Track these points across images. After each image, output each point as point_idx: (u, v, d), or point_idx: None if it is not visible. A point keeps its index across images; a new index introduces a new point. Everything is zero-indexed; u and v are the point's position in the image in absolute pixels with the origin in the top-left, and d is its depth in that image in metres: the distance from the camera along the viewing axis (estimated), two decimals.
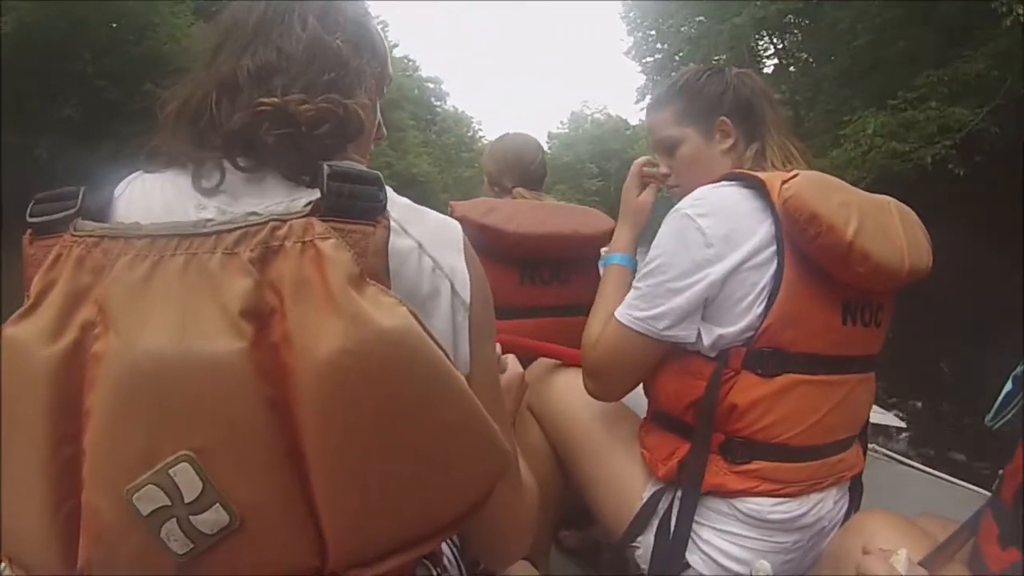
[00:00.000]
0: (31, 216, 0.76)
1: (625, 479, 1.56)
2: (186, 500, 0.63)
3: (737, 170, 1.48)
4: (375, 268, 0.70)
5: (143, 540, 0.65)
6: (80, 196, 0.77)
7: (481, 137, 62.57)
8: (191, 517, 0.64)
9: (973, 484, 1.93)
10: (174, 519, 0.64)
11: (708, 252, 1.36)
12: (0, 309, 0.77)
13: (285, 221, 0.69)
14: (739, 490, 1.40)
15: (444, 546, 1.11)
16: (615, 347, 1.47)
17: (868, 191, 1.45)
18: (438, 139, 55.61)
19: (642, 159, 1.73)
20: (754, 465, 1.39)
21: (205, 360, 0.63)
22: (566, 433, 1.68)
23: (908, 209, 1.49)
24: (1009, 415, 1.13)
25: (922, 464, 2.17)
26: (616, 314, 1.47)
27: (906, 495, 1.93)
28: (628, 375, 1.51)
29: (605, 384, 1.53)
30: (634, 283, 1.48)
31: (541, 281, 2.13)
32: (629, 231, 1.72)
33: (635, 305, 1.43)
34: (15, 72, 15.43)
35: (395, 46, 37.44)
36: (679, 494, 1.44)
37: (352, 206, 0.71)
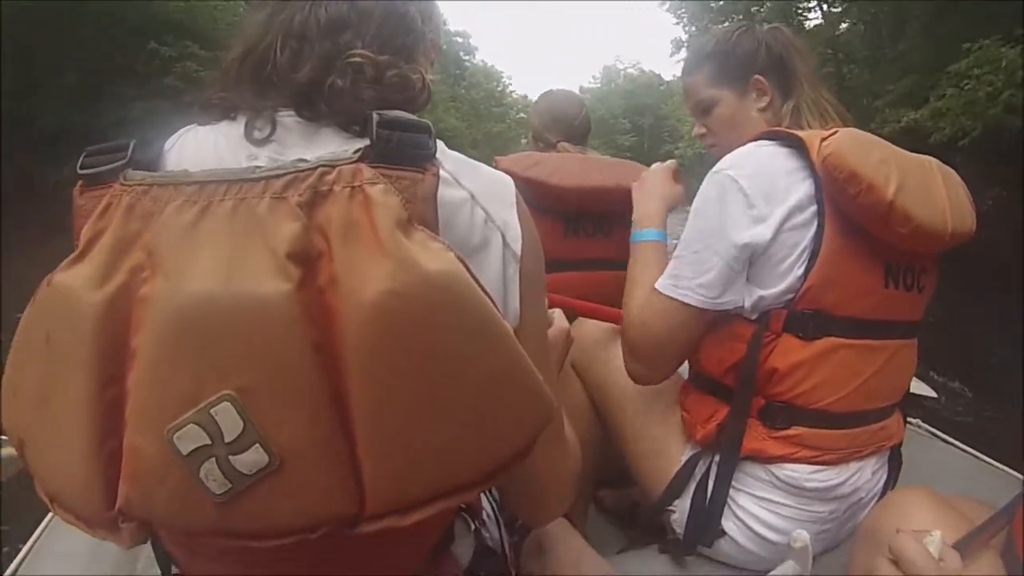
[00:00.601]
0: (82, 168, 0.78)
1: (663, 441, 1.57)
2: (226, 440, 0.64)
3: (776, 128, 1.47)
4: (424, 214, 0.71)
5: (182, 479, 0.66)
6: (131, 148, 0.79)
7: (512, 92, 62.89)
8: (230, 457, 0.65)
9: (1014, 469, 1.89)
10: (213, 459, 0.65)
11: (752, 212, 1.34)
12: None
13: (334, 167, 0.70)
14: (778, 456, 1.39)
15: (484, 500, 1.13)
16: (664, 323, 1.43)
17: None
18: (467, 94, 55.35)
19: (671, 164, 1.78)
20: (793, 431, 1.39)
21: (251, 301, 0.64)
22: (608, 392, 1.68)
23: (950, 170, 1.46)
24: None
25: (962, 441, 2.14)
26: (660, 287, 1.43)
27: (945, 473, 1.91)
28: (678, 352, 1.48)
29: (654, 364, 1.49)
30: (676, 252, 1.45)
31: (585, 234, 2.18)
32: (662, 206, 1.70)
33: (682, 275, 1.41)
34: (14, 42, 15.28)
35: None
36: (717, 458, 1.44)
37: (401, 153, 0.72)
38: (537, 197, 2.03)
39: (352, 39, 0.88)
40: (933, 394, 2.30)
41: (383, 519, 0.69)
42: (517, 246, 0.87)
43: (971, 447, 2.05)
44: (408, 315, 0.64)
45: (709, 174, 1.42)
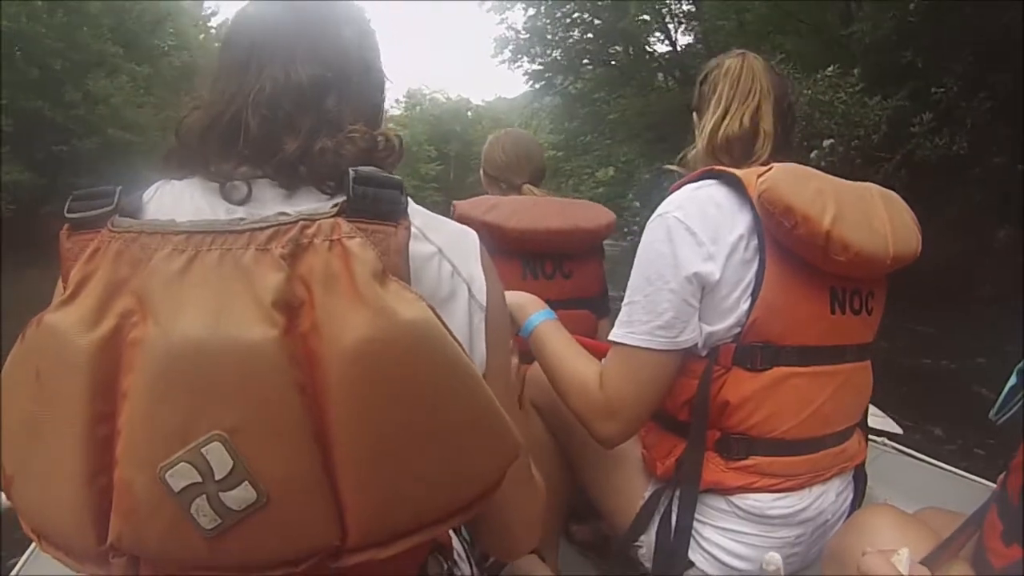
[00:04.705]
0: (69, 212, 0.87)
1: (626, 478, 1.68)
2: (216, 477, 0.73)
3: (714, 167, 1.58)
4: (396, 266, 0.81)
5: (173, 515, 0.74)
6: (117, 195, 0.88)
7: None
8: (220, 493, 0.73)
9: (981, 476, 2.03)
10: (204, 495, 0.73)
11: (701, 251, 1.44)
12: None
13: (314, 220, 0.79)
14: (737, 487, 1.50)
15: (455, 541, 1.22)
16: (628, 374, 1.49)
17: None
18: None
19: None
20: (751, 460, 1.50)
21: (239, 346, 0.73)
22: (571, 432, 1.76)
23: (893, 194, 1.59)
24: (1013, 409, 1.20)
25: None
26: (616, 337, 1.50)
27: (911, 487, 2.04)
28: (649, 401, 1.51)
29: (626, 420, 1.52)
30: (625, 300, 1.53)
31: (544, 275, 2.33)
32: (526, 297, 1.81)
33: (637, 319, 1.48)
34: None
35: (213, 15, 36.85)
36: (678, 492, 1.55)
37: (376, 208, 0.83)
38: (496, 240, 2.17)
39: (337, 105, 1.00)
40: (897, 429, 2.42)
41: (364, 552, 0.80)
42: (482, 297, 0.99)
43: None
44: (385, 360, 0.74)
45: (652, 218, 1.53)
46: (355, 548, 0.80)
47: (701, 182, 1.55)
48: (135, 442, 0.76)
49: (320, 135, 0.97)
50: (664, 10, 21.83)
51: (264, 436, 0.74)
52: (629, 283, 1.52)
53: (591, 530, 2.29)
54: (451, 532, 1.21)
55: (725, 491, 1.52)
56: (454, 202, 2.34)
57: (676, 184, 1.59)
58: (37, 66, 28.94)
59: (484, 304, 0.99)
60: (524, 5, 25.00)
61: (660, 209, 1.53)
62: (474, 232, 1.05)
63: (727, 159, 1.63)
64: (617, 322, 1.53)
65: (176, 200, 0.98)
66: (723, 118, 1.64)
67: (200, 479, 0.74)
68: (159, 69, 34.71)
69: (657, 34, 23.22)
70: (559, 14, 24.01)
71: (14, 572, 1.72)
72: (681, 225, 1.46)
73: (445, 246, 0.98)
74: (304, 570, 0.79)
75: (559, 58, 24.51)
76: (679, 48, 22.91)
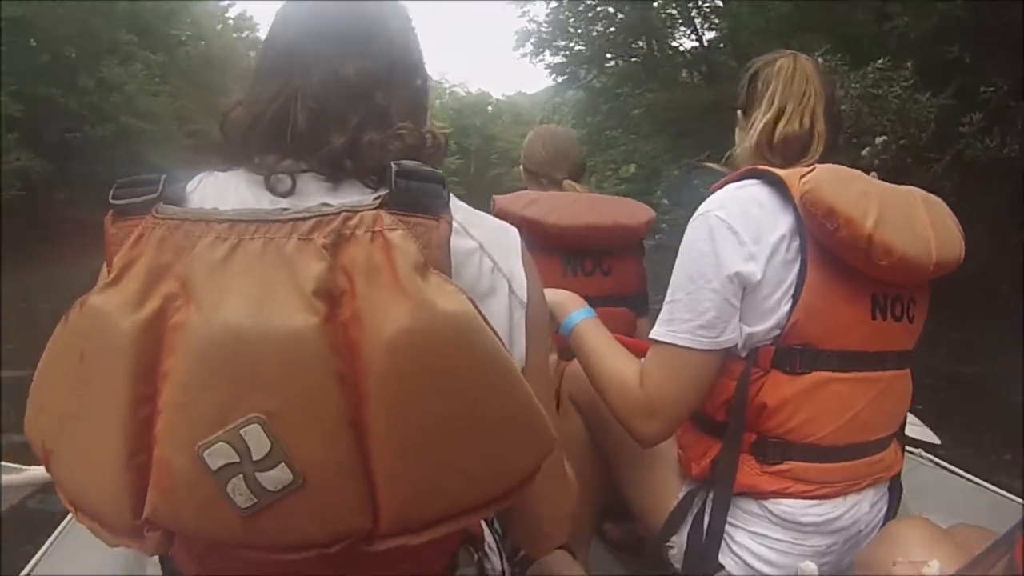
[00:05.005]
0: (113, 199, 0.90)
1: (661, 477, 1.69)
2: (254, 458, 0.75)
3: (756, 167, 1.58)
4: (438, 260, 0.83)
5: (210, 492, 0.77)
6: (161, 183, 0.90)
7: None
8: (257, 474, 0.76)
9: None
10: (241, 475, 0.76)
11: (743, 250, 1.45)
12: None
13: (356, 212, 0.82)
14: (771, 491, 1.51)
15: (487, 533, 1.25)
16: (669, 373, 1.50)
17: None
18: None
19: None
20: (786, 465, 1.50)
21: (281, 333, 0.75)
22: (608, 429, 1.76)
23: (936, 199, 1.58)
24: None
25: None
26: (657, 336, 1.51)
27: (946, 501, 2.02)
28: (690, 400, 1.52)
29: (666, 419, 1.52)
30: (667, 299, 1.54)
31: (583, 272, 2.36)
32: (565, 295, 1.82)
33: (679, 318, 1.49)
34: None
35: (230, 6, 37.41)
36: (712, 494, 1.56)
37: (418, 201, 0.85)
38: (535, 236, 2.19)
39: (385, 100, 1.02)
40: (935, 440, 2.40)
41: (396, 537, 0.82)
42: (523, 293, 1.01)
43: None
44: (425, 351, 0.77)
45: (695, 216, 1.53)
46: (387, 533, 0.82)
47: (743, 181, 1.56)
48: (175, 422, 0.78)
49: (368, 130, 0.99)
50: (691, 4, 21.64)
51: (302, 421, 0.77)
52: (671, 281, 1.53)
53: (625, 530, 2.30)
54: (483, 524, 1.24)
55: (759, 495, 1.53)
56: (494, 196, 2.37)
57: (718, 183, 1.60)
58: (49, 52, 29.14)
59: (524, 300, 1.01)
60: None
61: (702, 208, 1.54)
62: (515, 228, 1.06)
63: (779, 159, 1.62)
64: (658, 320, 1.54)
65: (220, 191, 1.00)
66: (778, 118, 1.63)
67: (238, 459, 0.76)
68: (175, 58, 34.89)
69: (682, 28, 23.00)
70: (582, 7, 23.83)
71: (48, 541, 1.80)
72: (723, 224, 1.47)
73: (486, 242, 0.99)
74: (336, 552, 0.81)
75: (582, 50, 24.24)
76: (705, 43, 22.66)
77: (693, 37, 22.67)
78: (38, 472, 2.07)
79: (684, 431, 1.65)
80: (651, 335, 1.54)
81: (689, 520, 1.61)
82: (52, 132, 30.28)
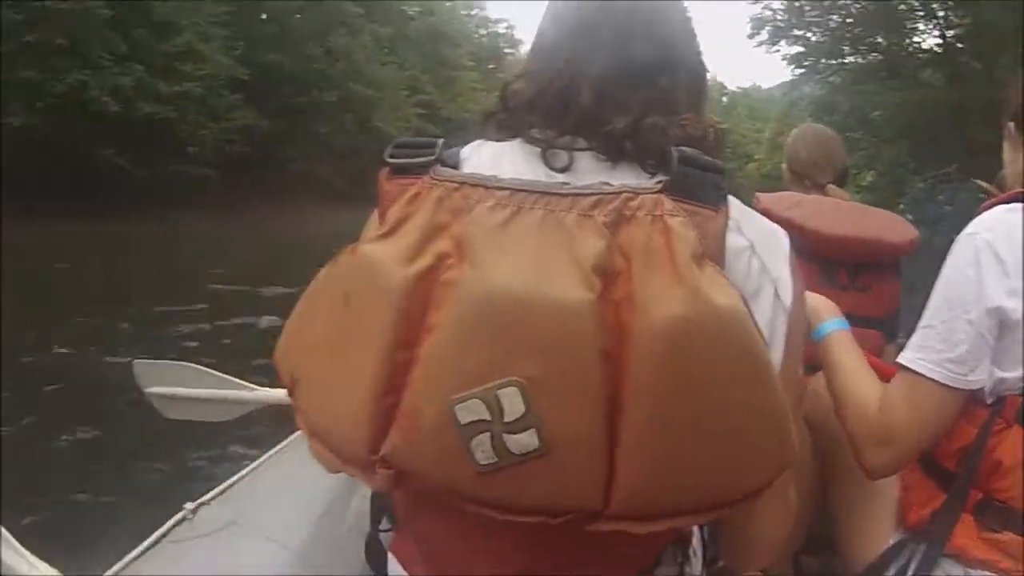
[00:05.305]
0: (390, 157, 0.95)
1: (876, 518, 1.65)
2: (505, 420, 0.77)
3: None
4: (713, 252, 0.83)
5: (452, 443, 0.79)
6: (439, 147, 0.94)
7: None
8: (504, 435, 0.78)
9: None
10: (487, 433, 0.78)
11: (1007, 283, 1.35)
12: None
13: (638, 194, 0.83)
14: (980, 560, 1.39)
15: (695, 538, 1.22)
16: (910, 402, 1.41)
17: None
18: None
19: None
20: (1004, 536, 1.37)
21: (554, 303, 0.77)
22: (834, 451, 1.74)
23: None
24: None
25: None
26: (905, 360, 1.42)
27: None
28: (927, 436, 1.43)
29: (898, 452, 1.45)
30: (922, 323, 1.44)
31: (838, 285, 2.26)
32: (825, 300, 1.75)
33: (930, 346, 1.39)
34: None
35: None
36: (922, 549, 1.47)
37: (698, 190, 0.85)
38: (794, 239, 2.12)
39: (669, 86, 1.02)
40: None
41: (620, 521, 0.82)
42: (787, 299, 0.98)
43: None
44: (693, 340, 0.77)
45: (961, 236, 1.43)
46: (613, 516, 0.82)
47: (1013, 204, 1.44)
48: (432, 373, 0.81)
49: (651, 113, 0.99)
50: None
51: (560, 391, 0.78)
52: (928, 304, 1.45)
53: (822, 564, 2.20)
54: (696, 527, 1.22)
55: (967, 561, 1.41)
56: (757, 194, 2.35)
57: (987, 203, 1.50)
58: (277, 23, 31.16)
59: (788, 307, 0.98)
60: None
61: (969, 228, 1.44)
62: (783, 230, 1.05)
63: None
64: (909, 344, 1.45)
65: (495, 160, 1.02)
66: None
67: (488, 418, 0.78)
68: (404, 31, 36.87)
69: (921, 24, 21.62)
70: None
71: (254, 464, 2.02)
72: (990, 250, 1.37)
73: (757, 241, 0.98)
74: (556, 524, 0.82)
75: (821, 41, 23.17)
76: (947, 41, 21.08)
77: (936, 32, 21.32)
78: (269, 393, 2.37)
79: (910, 471, 1.58)
80: (899, 358, 1.45)
81: (892, 571, 1.54)
82: (279, 96, 32.35)
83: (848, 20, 22.39)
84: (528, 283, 0.78)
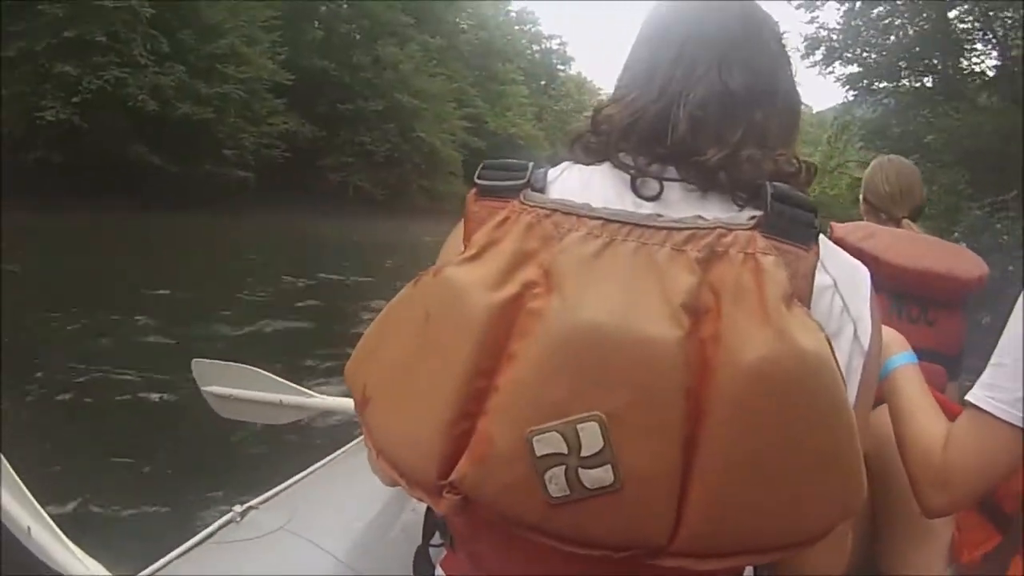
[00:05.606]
0: (479, 179, 0.96)
1: (927, 557, 1.65)
2: (583, 454, 0.77)
3: None
4: (801, 291, 0.84)
5: (525, 475, 0.79)
6: (529, 170, 0.95)
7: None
8: (579, 469, 0.77)
9: None
10: (563, 467, 0.77)
11: None
12: None
13: (731, 230, 0.83)
14: None
15: (748, 571, 1.22)
16: (976, 443, 1.35)
17: None
18: (554, 105, 58.34)
19: None
20: None
21: (641, 339, 0.77)
22: (887, 488, 1.72)
23: None
24: None
25: None
26: (973, 398, 1.37)
27: None
28: (989, 479, 1.36)
29: (958, 493, 1.38)
30: (993, 360, 1.37)
31: (908, 318, 2.28)
32: (895, 338, 1.69)
33: (1001, 385, 1.34)
34: None
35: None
36: None
37: (791, 228, 0.85)
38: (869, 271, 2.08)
39: (764, 119, 1.00)
40: None
41: (682, 558, 0.81)
42: (866, 340, 0.97)
43: None
44: (776, 383, 0.76)
45: None
46: (676, 552, 0.82)
47: None
48: (511, 402, 0.81)
49: (747, 145, 0.98)
50: (991, 14, 19.39)
51: (639, 428, 0.78)
52: (1000, 340, 1.39)
53: None
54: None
55: None
56: (832, 223, 2.39)
57: None
58: (324, 29, 31.36)
59: (866, 348, 0.97)
60: (837, 4, 23.15)
61: None
62: (865, 268, 1.04)
63: None
64: (979, 382, 1.38)
65: (583, 185, 1.01)
66: None
67: (566, 451, 0.78)
68: (455, 44, 37.17)
69: (979, 46, 20.83)
70: (874, 14, 22.08)
71: (308, 469, 2.09)
72: None
73: (839, 279, 0.97)
74: (618, 558, 0.83)
75: (877, 61, 22.56)
76: (1007, 63, 20.23)
77: (995, 54, 20.73)
78: (326, 400, 2.41)
79: (967, 512, 1.53)
80: (968, 396, 1.39)
81: None
82: (323, 102, 32.55)
83: (905, 39, 21.89)
84: (616, 317, 0.78)
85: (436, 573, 1.14)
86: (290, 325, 10.56)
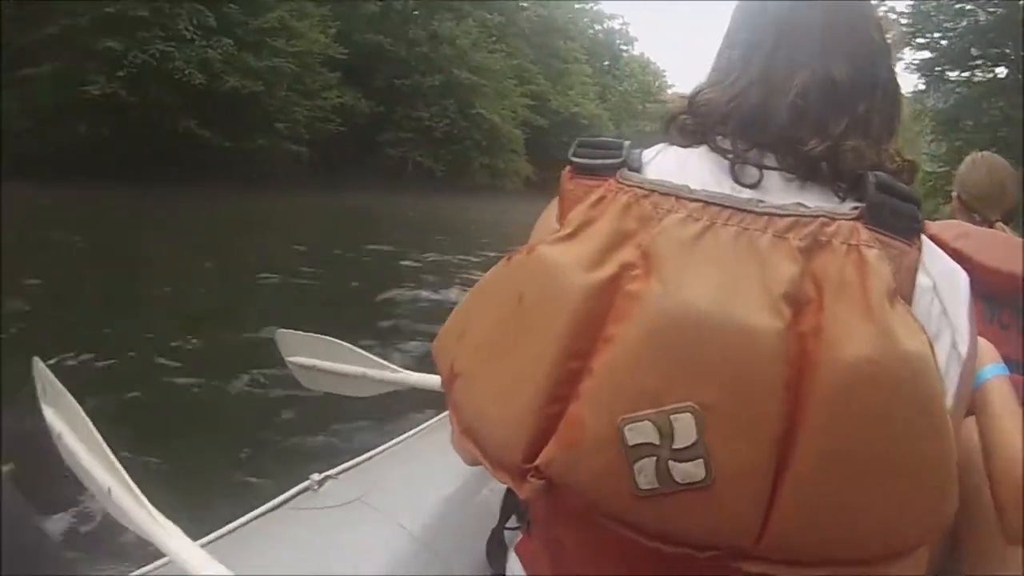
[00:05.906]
0: (574, 157, 0.95)
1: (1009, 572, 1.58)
2: (675, 446, 0.75)
3: None
4: (904, 288, 0.82)
5: (614, 463, 0.77)
6: (625, 150, 0.94)
7: (671, 86, 66.76)
8: (671, 462, 0.76)
9: None
10: (654, 458, 0.76)
11: None
12: None
13: (834, 220, 0.81)
14: None
15: None
16: None
17: None
18: (617, 85, 58.09)
19: None
20: None
21: (741, 328, 0.75)
22: (968, 504, 1.47)
23: None
24: None
25: None
26: None
27: None
28: None
29: None
30: None
31: (1000, 324, 2.21)
32: (987, 348, 1.62)
33: None
34: None
35: None
36: None
37: (894, 221, 0.83)
38: None
39: (867, 112, 0.97)
40: None
41: (767, 563, 0.79)
42: (963, 347, 0.93)
43: None
44: (878, 383, 0.74)
45: None
46: (759, 556, 0.80)
47: None
48: (605, 387, 0.80)
49: (850, 136, 0.95)
50: None
51: (735, 421, 0.76)
52: None
53: None
54: None
55: None
56: (925, 221, 1.95)
57: None
58: (379, 3, 31.27)
59: (963, 356, 0.94)
60: None
61: None
62: (964, 273, 1.00)
63: None
64: None
65: (680, 167, 0.99)
66: None
67: (658, 442, 0.77)
68: (515, 20, 36.88)
69: None
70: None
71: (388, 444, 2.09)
72: None
73: (940, 282, 0.93)
74: (703, 559, 0.80)
75: (947, 47, 22.11)
76: None
77: None
78: (410, 376, 2.35)
79: None
80: None
81: None
82: (379, 77, 32.48)
83: (978, 25, 21.38)
84: (715, 304, 0.76)
85: (509, 556, 1.12)
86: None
